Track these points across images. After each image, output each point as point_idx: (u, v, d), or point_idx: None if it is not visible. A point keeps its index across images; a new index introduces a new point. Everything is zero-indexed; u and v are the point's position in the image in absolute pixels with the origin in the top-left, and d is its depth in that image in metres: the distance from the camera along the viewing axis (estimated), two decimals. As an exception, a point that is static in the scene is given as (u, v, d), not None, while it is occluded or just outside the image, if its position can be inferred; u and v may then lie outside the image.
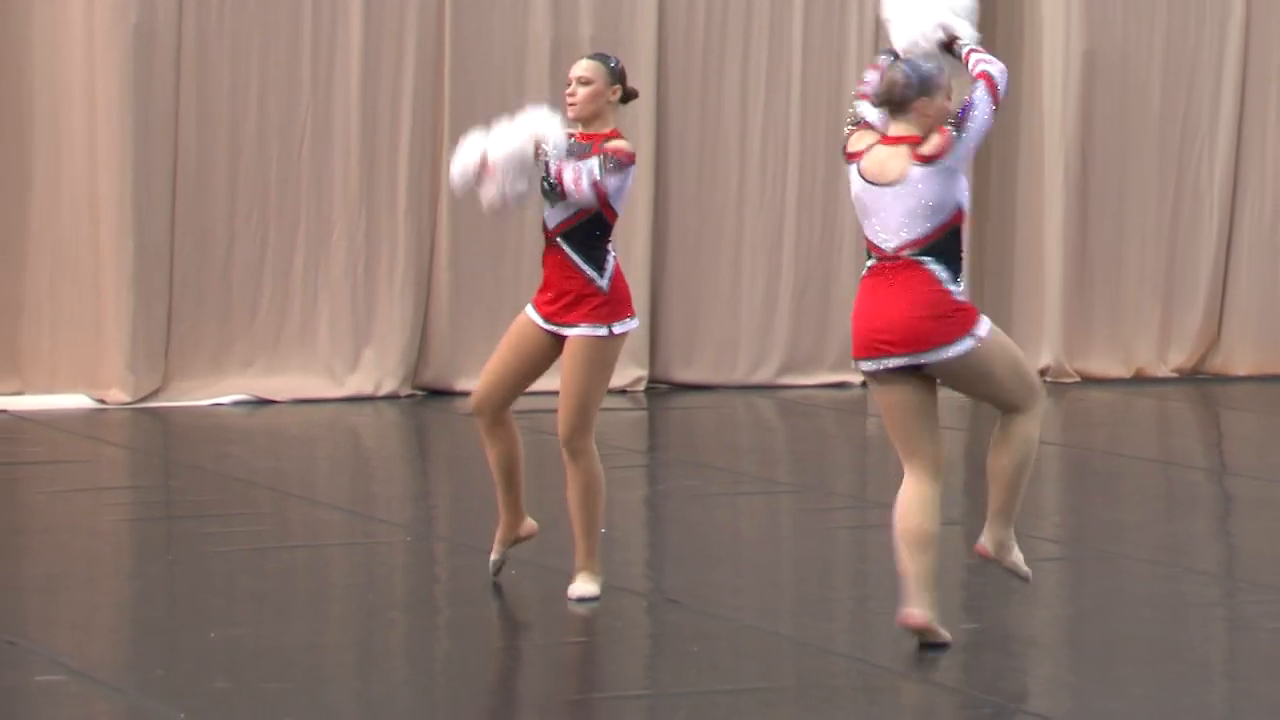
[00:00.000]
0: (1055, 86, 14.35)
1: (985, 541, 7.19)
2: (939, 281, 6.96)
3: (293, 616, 7.47)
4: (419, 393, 13.05)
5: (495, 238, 13.30)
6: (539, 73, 13.31)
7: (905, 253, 6.96)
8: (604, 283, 7.58)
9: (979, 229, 14.49)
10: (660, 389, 13.56)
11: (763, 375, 13.81)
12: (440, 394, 13.08)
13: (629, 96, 7.68)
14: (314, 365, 12.87)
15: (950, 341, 6.95)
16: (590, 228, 7.58)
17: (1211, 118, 14.70)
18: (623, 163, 7.48)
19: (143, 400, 12.32)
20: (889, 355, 6.96)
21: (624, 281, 7.65)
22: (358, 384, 12.90)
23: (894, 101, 7.11)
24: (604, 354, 7.57)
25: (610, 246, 7.63)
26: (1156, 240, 14.68)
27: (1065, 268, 14.41)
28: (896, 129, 7.12)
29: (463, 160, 7.62)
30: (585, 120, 7.65)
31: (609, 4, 13.41)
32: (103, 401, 12.30)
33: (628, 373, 13.50)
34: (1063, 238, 14.39)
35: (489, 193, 7.62)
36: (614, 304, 7.57)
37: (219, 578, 8.07)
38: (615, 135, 7.61)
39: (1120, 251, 14.64)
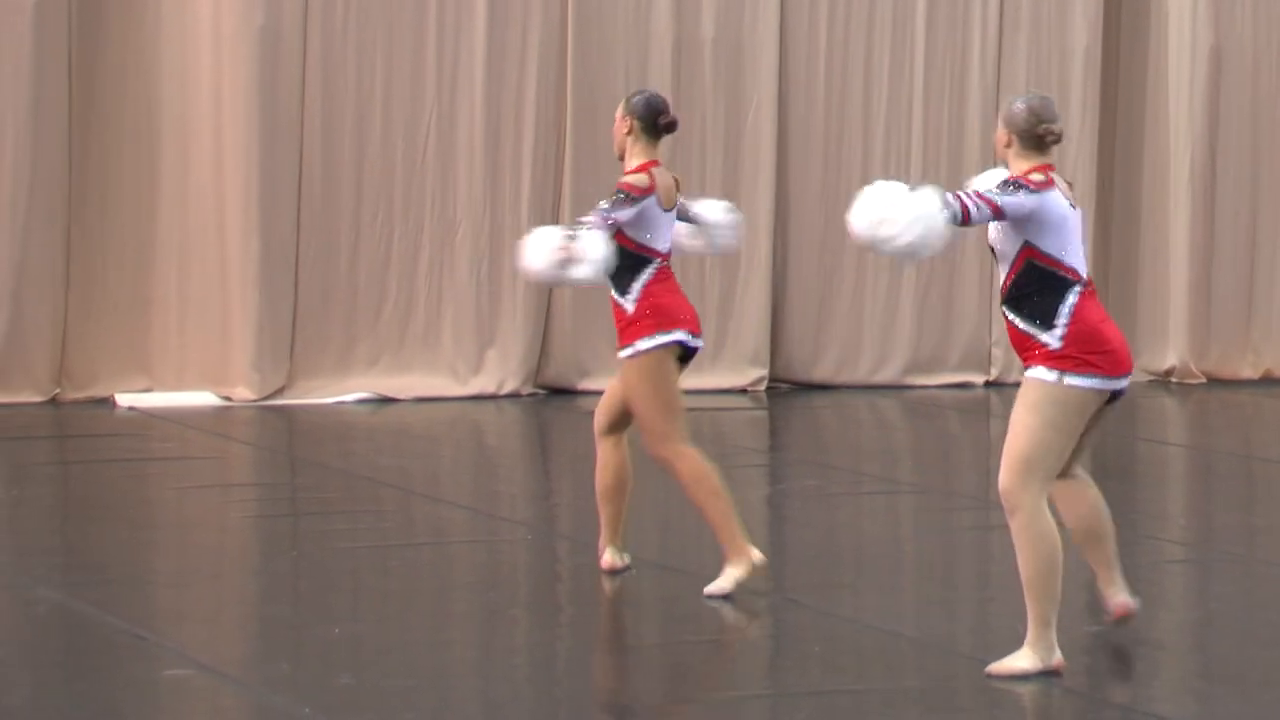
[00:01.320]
0: (1181, 83, 14.20)
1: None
2: None
3: (416, 614, 7.51)
4: (541, 391, 13.10)
5: (617, 237, 13.31)
6: (661, 73, 13.32)
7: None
8: (629, 306, 7.92)
9: (1103, 229, 14.38)
10: (782, 388, 13.54)
11: (886, 375, 13.75)
12: (562, 393, 13.11)
13: (658, 128, 8.02)
14: (437, 364, 12.95)
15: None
16: (619, 258, 7.86)
17: (1342, 115, 14.51)
18: (628, 195, 7.82)
19: (268, 398, 12.43)
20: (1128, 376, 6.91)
21: (660, 300, 7.90)
22: (480, 383, 12.96)
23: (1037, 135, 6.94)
24: (640, 372, 7.82)
25: (645, 272, 7.92)
26: (1286, 240, 14.50)
27: (1191, 267, 14.26)
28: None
29: (539, 259, 7.85)
30: (620, 158, 8.12)
31: (731, 4, 13.40)
32: (229, 399, 12.42)
33: (749, 372, 13.50)
34: (1189, 237, 14.24)
35: (580, 272, 7.84)
36: (639, 324, 7.87)
37: (343, 574, 8.13)
38: (638, 170, 7.92)
39: (1247, 250, 14.47)
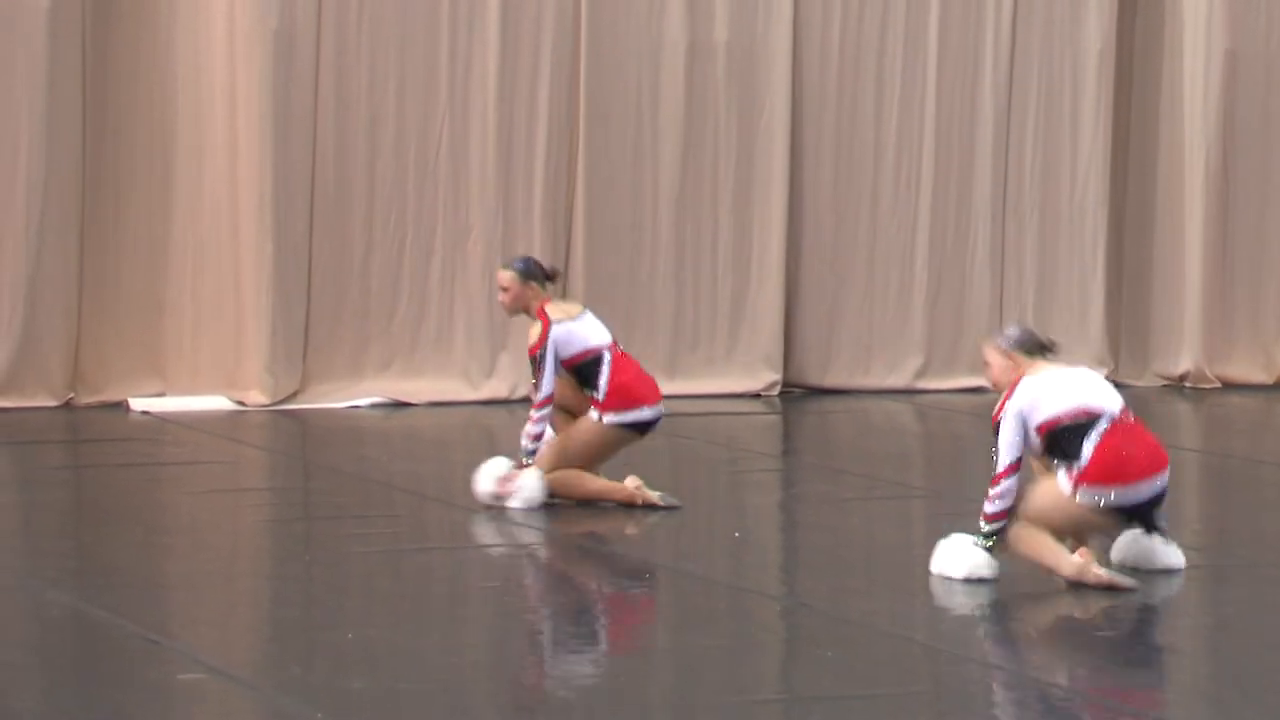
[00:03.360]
0: (1196, 86, 14.18)
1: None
2: None
3: (429, 618, 7.51)
4: (554, 396, 13.08)
5: (631, 241, 13.33)
6: (674, 77, 13.32)
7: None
8: (600, 396, 9.34)
9: (1116, 232, 14.36)
10: (795, 393, 13.53)
11: (898, 380, 13.75)
12: (575, 397, 13.08)
13: (549, 278, 9.47)
14: (450, 369, 12.95)
15: None
16: (576, 374, 9.42)
17: (1357, 119, 14.49)
18: (535, 359, 9.28)
19: (281, 402, 12.44)
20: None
21: (622, 380, 9.37)
22: (493, 387, 12.97)
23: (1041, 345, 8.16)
24: (599, 431, 9.41)
25: (602, 367, 9.37)
26: (1299, 244, 14.49)
27: (1205, 271, 14.24)
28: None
29: (484, 486, 9.37)
30: (514, 314, 9.57)
31: (744, 9, 13.40)
32: (242, 403, 12.43)
33: (762, 376, 13.50)
34: (1203, 241, 14.22)
35: (515, 503, 9.27)
36: (609, 401, 9.35)
37: (356, 579, 8.13)
38: (537, 324, 9.30)
39: (1261, 254, 14.46)
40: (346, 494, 9.91)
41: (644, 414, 9.34)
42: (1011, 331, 8.21)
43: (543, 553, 8.83)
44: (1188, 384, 14.22)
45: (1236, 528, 9.52)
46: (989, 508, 7.91)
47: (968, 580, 7.84)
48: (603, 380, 9.30)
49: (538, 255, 13.15)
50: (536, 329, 9.32)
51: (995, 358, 8.12)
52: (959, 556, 7.93)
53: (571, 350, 9.30)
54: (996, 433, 7.92)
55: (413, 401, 12.74)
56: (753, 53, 13.46)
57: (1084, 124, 14.10)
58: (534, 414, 9.32)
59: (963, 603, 7.94)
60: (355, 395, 12.69)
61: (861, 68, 13.71)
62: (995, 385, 8.13)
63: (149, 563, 8.49)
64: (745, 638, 7.39)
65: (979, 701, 6.61)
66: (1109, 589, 7.75)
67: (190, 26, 12.49)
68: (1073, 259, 14.16)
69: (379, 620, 7.49)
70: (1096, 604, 7.83)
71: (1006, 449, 7.86)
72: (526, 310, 9.40)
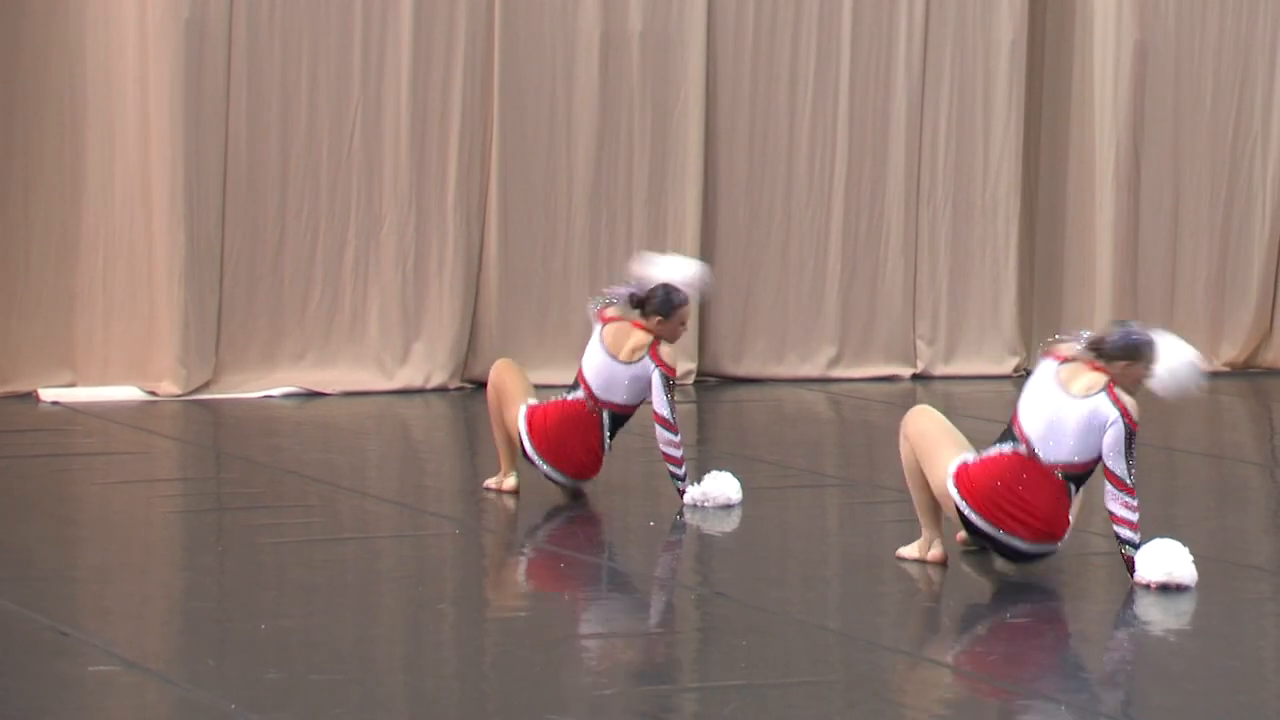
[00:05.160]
0: (1106, 79, 14.29)
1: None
2: None
3: (343, 609, 7.50)
4: (468, 385, 13.08)
5: (545, 231, 13.33)
6: (588, 67, 13.32)
7: None
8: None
9: (1028, 224, 14.46)
10: (710, 382, 13.56)
11: (811, 369, 13.80)
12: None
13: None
14: (364, 358, 12.92)
15: None
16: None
17: (1265, 110, 14.64)
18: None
19: (194, 393, 12.37)
20: None
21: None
22: (407, 377, 12.94)
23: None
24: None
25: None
26: (1209, 234, 14.63)
27: (1116, 261, 14.35)
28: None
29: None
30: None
31: (658, -2, 13.42)
32: (154, 394, 12.36)
33: (677, 366, 13.50)
34: (1113, 231, 14.34)
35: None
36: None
37: (270, 570, 8.10)
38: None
39: (1172, 245, 14.58)
40: (259, 484, 9.87)
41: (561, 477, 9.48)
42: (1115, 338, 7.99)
43: (458, 542, 8.82)
44: (1099, 373, 14.33)
45: (1146, 515, 9.59)
46: (1136, 517, 7.81)
47: (1183, 587, 7.75)
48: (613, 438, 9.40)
49: (451, 246, 13.17)
50: (668, 352, 9.29)
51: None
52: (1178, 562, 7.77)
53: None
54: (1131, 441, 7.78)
55: (326, 391, 12.70)
56: (667, 42, 13.47)
57: (996, 114, 14.19)
58: (676, 438, 9.20)
59: (875, 591, 7.97)
60: (268, 385, 12.63)
61: (776, 57, 13.75)
62: (1131, 390, 7.90)
63: (59, 554, 8.44)
64: (660, 627, 7.40)
65: (892, 689, 6.64)
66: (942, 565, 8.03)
67: (101, 16, 12.40)
68: (985, 249, 14.25)
69: (292, 611, 7.46)
70: (1007, 592, 7.88)
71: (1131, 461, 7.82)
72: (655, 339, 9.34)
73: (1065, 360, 7.95)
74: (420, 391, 12.83)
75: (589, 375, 9.34)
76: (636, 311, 9.36)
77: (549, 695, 6.45)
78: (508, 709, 6.38)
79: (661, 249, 13.57)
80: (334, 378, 12.80)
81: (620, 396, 9.29)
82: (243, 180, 12.63)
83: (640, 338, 9.30)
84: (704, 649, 7.19)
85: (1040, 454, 7.84)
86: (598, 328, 9.48)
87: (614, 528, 9.11)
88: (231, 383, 12.56)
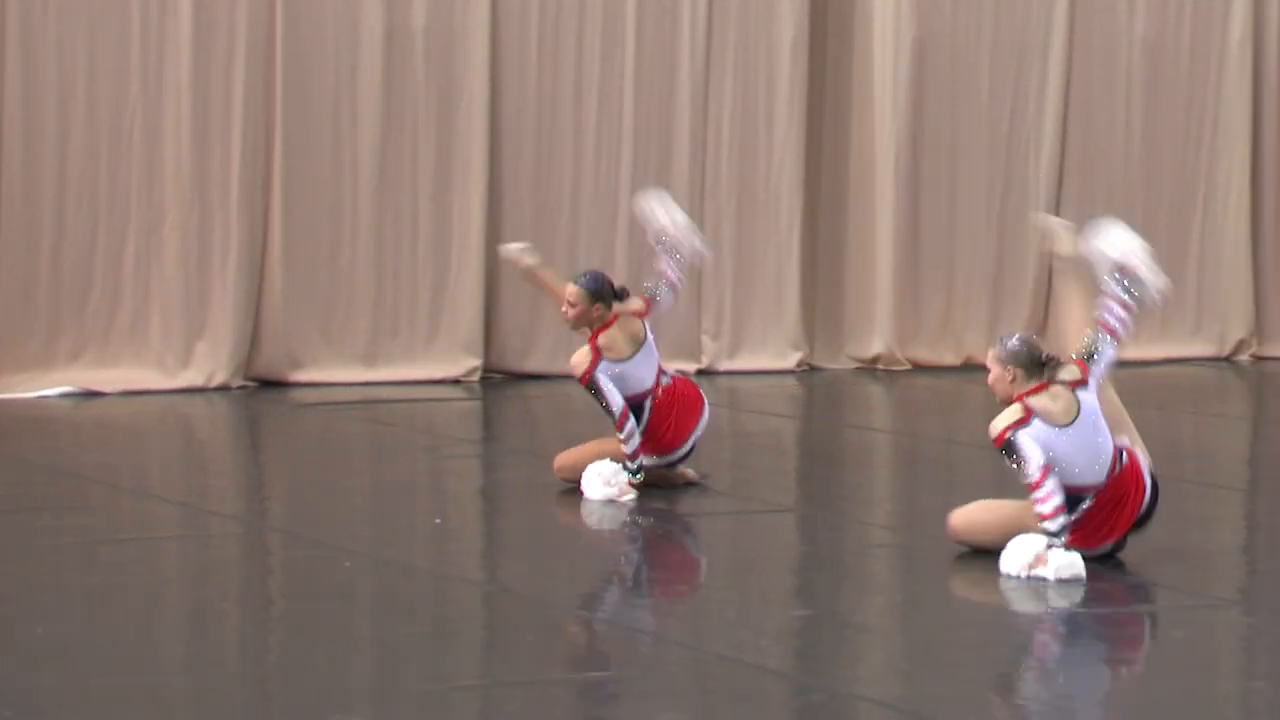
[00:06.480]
0: (885, 75, 14.48)
1: None
2: None
3: (124, 611, 7.39)
4: (251, 384, 12.95)
5: (329, 229, 13.24)
6: (371, 63, 13.25)
7: None
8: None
9: (810, 219, 14.61)
10: (495, 379, 13.54)
11: (598, 364, 13.82)
12: (272, 385, 12.98)
13: (617, 298, 9.49)
14: (145, 357, 12.75)
15: None
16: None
17: (1038, 104, 14.91)
18: (588, 387, 9.33)
19: (-32, 393, 12.14)
20: None
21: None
22: (189, 376, 12.79)
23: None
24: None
25: (639, 417, 9.46)
26: (986, 228, 14.88)
27: (896, 255, 14.56)
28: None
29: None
30: (576, 329, 9.52)
31: (442, -7, 13.38)
32: (-73, 394, 12.11)
33: (462, 362, 13.49)
34: (894, 225, 14.54)
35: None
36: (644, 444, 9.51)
37: (47, 572, 7.96)
38: (588, 346, 9.38)
39: (951, 240, 14.82)
40: (36, 486, 9.70)
41: (672, 456, 9.47)
42: (1012, 344, 7.92)
43: (240, 542, 8.73)
44: (880, 366, 14.52)
45: (926, 506, 9.74)
46: (1045, 508, 7.74)
47: (1060, 580, 7.68)
48: (641, 424, 9.36)
49: (234, 244, 13.02)
50: (583, 358, 9.30)
51: (995, 367, 7.89)
52: (1056, 561, 7.69)
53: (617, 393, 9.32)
54: (1003, 452, 7.78)
55: (106, 390, 12.51)
56: (451, 38, 13.43)
57: (779, 109, 14.32)
58: (620, 436, 9.27)
59: (662, 586, 8.01)
60: (45, 385, 12.42)
61: (561, 52, 13.76)
62: (994, 393, 7.93)
63: None
64: (445, 623, 7.38)
65: (680, 683, 6.68)
66: None
67: None
68: (769, 243, 14.37)
69: (71, 615, 7.34)
70: (791, 584, 7.95)
71: (1031, 458, 7.74)
72: (589, 328, 9.41)
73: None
74: (203, 390, 12.68)
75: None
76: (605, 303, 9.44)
77: (333, 695, 6.41)
78: (290, 709, 6.33)
79: (447, 246, 13.55)
80: (113, 377, 12.61)
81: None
82: (18, 176, 12.41)
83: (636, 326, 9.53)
84: (489, 646, 7.17)
85: (1103, 477, 7.92)
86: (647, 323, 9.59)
87: (399, 524, 9.07)
88: (7, 383, 12.34)
